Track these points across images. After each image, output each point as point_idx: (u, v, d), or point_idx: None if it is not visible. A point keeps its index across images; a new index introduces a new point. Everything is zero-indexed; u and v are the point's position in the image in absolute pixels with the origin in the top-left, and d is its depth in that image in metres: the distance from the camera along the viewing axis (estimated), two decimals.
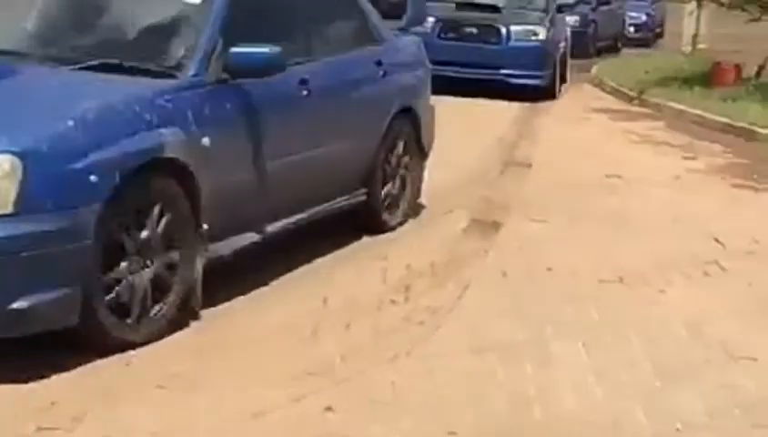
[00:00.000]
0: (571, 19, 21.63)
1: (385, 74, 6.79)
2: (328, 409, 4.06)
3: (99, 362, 4.42)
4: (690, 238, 7.10)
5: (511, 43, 14.54)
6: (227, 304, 5.26)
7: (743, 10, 15.70)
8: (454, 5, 15.18)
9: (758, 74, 15.20)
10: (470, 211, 7.49)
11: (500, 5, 15.12)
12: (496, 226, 7.15)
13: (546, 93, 14.48)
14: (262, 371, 4.44)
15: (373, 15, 7.08)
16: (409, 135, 7.07)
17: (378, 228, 6.73)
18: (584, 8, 22.41)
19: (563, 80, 16.05)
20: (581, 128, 12.35)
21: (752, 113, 12.46)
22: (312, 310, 5.25)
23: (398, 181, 6.96)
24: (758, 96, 13.64)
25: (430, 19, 13.72)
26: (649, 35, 25.84)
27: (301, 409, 4.10)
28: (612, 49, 22.85)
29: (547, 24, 14.92)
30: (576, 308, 5.51)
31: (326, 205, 6.18)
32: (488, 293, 5.71)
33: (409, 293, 5.61)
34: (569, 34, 17.54)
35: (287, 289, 5.58)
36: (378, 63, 6.77)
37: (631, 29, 25.42)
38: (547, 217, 7.45)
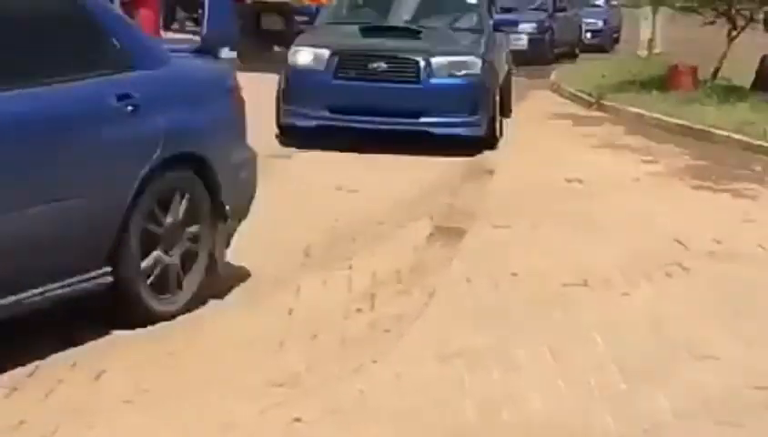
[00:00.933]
0: (528, 26, 21.77)
1: (136, 110, 4.98)
2: (297, 420, 4.05)
3: (67, 378, 4.37)
4: (651, 239, 7.16)
5: (433, 80, 10.39)
6: (192, 315, 5.23)
7: (698, 14, 15.87)
8: (357, 29, 11.27)
9: (714, 76, 15.36)
10: (434, 218, 7.51)
11: (420, 27, 11.22)
12: (459, 232, 7.17)
13: (483, 143, 10.60)
14: (229, 384, 4.42)
15: (126, 29, 5.33)
16: (197, 193, 5.30)
17: (140, 319, 5.02)
18: (541, 15, 22.54)
19: (505, 114, 12.22)
20: (541, 134, 12.41)
21: (709, 115, 12.59)
22: (277, 321, 5.24)
23: (176, 255, 5.20)
24: (714, 98, 13.79)
25: (323, 52, 10.49)
26: (606, 41, 25.99)
27: (269, 420, 4.08)
28: (570, 55, 22.99)
29: (482, 49, 10.93)
30: (541, 312, 5.54)
31: (27, 294, 4.50)
32: (453, 300, 5.72)
33: (375, 301, 5.61)
34: (523, 43, 17.17)
35: (251, 300, 5.56)
36: (124, 96, 4.96)
37: (589, 35, 25.55)
38: (510, 222, 7.48)
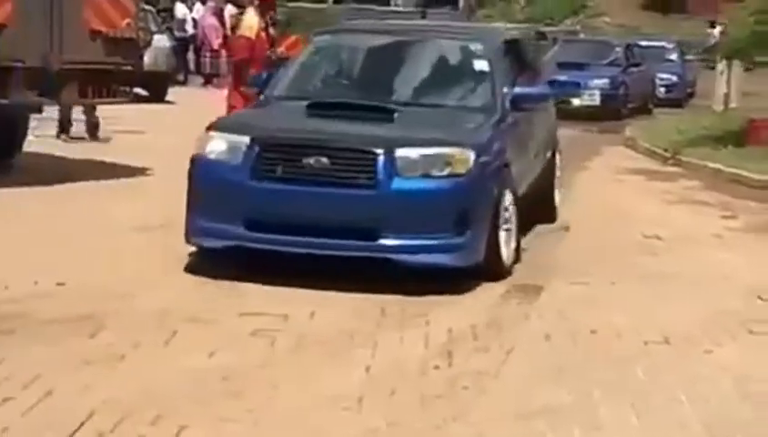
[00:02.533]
0: (601, 82, 21.75)
1: None
2: None
3: (149, 433, 4.41)
4: (733, 296, 7.05)
5: (398, 183, 6.95)
6: (268, 374, 5.25)
7: None
8: (303, 106, 7.78)
9: None
10: (510, 275, 7.46)
11: (402, 105, 7.77)
12: (537, 289, 7.11)
13: (472, 273, 7.13)
14: None
15: None
16: None
17: None
18: (614, 70, 22.52)
19: (545, 219, 9.23)
20: (617, 189, 12.33)
21: None
22: (356, 378, 5.23)
23: None
24: None
25: (241, 140, 7.15)
26: (680, 96, 25.84)
27: None
28: (643, 110, 22.89)
29: (480, 138, 7.48)
30: (622, 370, 5.46)
31: None
32: (532, 357, 5.67)
33: (453, 357, 5.58)
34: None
35: (330, 354, 5.56)
36: None
37: (663, 90, 25.42)
38: (587, 279, 7.41)
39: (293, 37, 17.28)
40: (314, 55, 8.77)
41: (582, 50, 23.83)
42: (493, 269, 7.23)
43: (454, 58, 8.43)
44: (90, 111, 13.51)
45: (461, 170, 7.05)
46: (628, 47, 23.99)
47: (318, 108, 7.74)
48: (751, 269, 7.94)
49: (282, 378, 5.19)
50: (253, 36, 11.96)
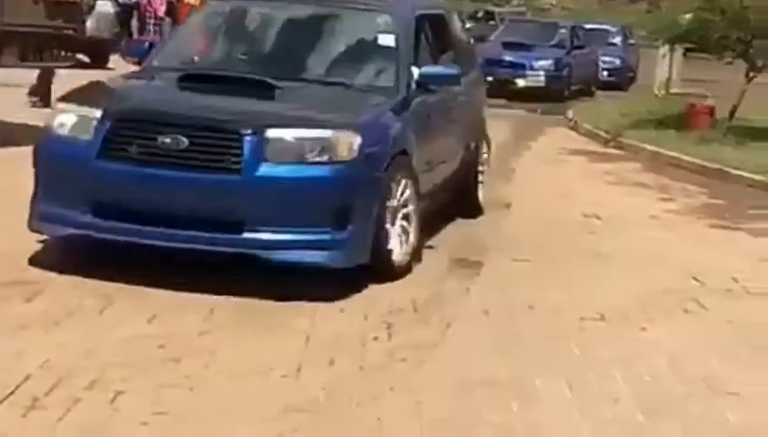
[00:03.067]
0: (546, 63, 21.89)
1: None
2: None
3: (85, 397, 4.38)
4: (669, 276, 7.16)
5: (266, 169, 6.04)
6: (208, 339, 5.24)
7: (717, 54, 15.91)
8: (175, 78, 6.99)
9: (731, 116, 15.39)
10: (451, 250, 7.51)
11: (291, 80, 6.93)
12: (477, 264, 7.17)
13: (356, 274, 6.29)
14: (246, 408, 4.42)
15: None
16: None
17: None
18: (559, 52, 22.65)
19: (469, 212, 8.61)
20: (559, 170, 12.44)
21: (726, 155, 12.61)
22: (295, 347, 5.24)
23: None
24: (731, 138, 13.82)
25: (92, 114, 6.23)
26: (622, 79, 26.08)
27: None
28: (586, 93, 23.08)
29: (368, 118, 6.65)
30: (558, 345, 5.53)
31: None
32: (471, 331, 5.72)
33: (392, 330, 5.61)
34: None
35: (268, 325, 5.56)
36: None
37: (605, 73, 25.65)
38: (528, 255, 7.48)
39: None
40: (202, 22, 8.05)
41: (528, 31, 23.94)
42: (382, 271, 6.36)
43: (358, 31, 7.51)
44: (44, 76, 13.32)
45: (344, 157, 6.11)
46: (573, 30, 24.15)
47: (191, 81, 6.88)
48: (686, 250, 8.07)
49: (220, 345, 5.18)
50: (198, 3, 11.87)
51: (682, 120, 15.25)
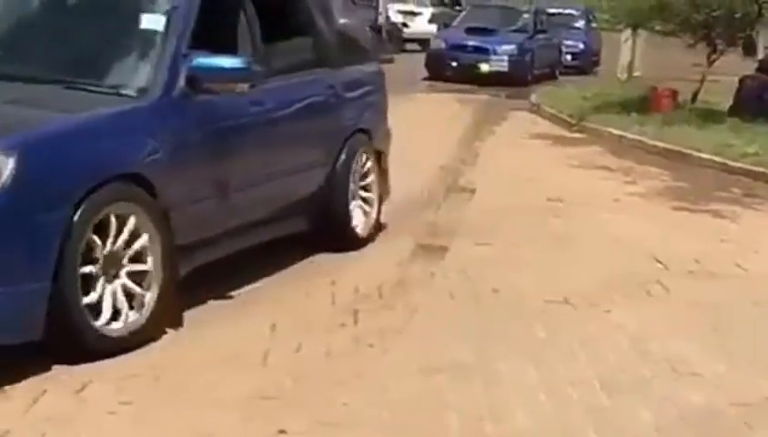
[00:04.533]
0: (509, 47, 21.95)
1: None
2: (282, 431, 4.07)
3: (51, 388, 4.37)
4: (632, 259, 7.22)
5: None
6: (173, 330, 5.23)
7: (678, 37, 16.03)
8: None
9: (693, 99, 15.51)
10: (416, 236, 7.54)
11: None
12: (442, 250, 7.20)
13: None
14: (213, 396, 4.42)
15: None
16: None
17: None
18: (522, 36, 22.72)
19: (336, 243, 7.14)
20: (522, 154, 12.49)
21: (688, 137, 12.71)
22: (261, 334, 5.24)
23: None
24: (694, 120, 13.93)
25: None
26: (586, 63, 26.18)
27: (253, 431, 4.10)
28: (550, 77, 23.17)
29: (76, 137, 4.91)
30: (523, 328, 5.57)
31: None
32: (436, 315, 5.75)
33: (358, 316, 5.63)
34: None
35: (233, 312, 5.57)
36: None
37: (569, 57, 25.74)
38: (492, 240, 7.52)
39: None
40: None
41: (491, 16, 23.97)
42: (81, 347, 4.67)
43: (121, 9, 5.87)
44: None
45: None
46: (536, 14, 24.23)
47: None
48: (649, 233, 8.14)
49: (186, 333, 5.18)
50: None
51: (644, 103, 15.34)
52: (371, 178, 7.35)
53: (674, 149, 12.31)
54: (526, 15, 23.95)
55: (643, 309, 6.12)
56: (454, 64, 21.78)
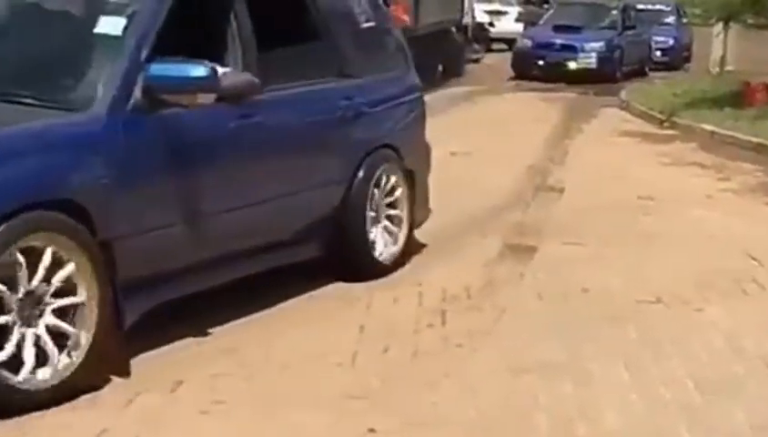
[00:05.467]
0: (597, 45, 21.72)
1: None
2: (371, 430, 4.08)
3: (144, 389, 4.45)
4: (726, 256, 7.08)
5: None
6: (265, 329, 5.29)
7: None
8: None
9: None
10: (504, 236, 7.50)
11: None
12: (531, 250, 7.15)
13: None
14: (303, 396, 4.46)
15: None
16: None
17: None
18: (610, 33, 22.47)
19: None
20: (612, 151, 12.35)
21: None
22: (349, 336, 5.27)
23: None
24: None
25: None
26: (676, 59, 25.76)
27: (343, 431, 4.12)
28: (639, 73, 22.88)
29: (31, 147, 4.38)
30: (614, 328, 5.50)
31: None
32: (525, 316, 5.71)
33: (446, 317, 5.62)
34: None
35: (323, 317, 5.60)
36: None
37: (658, 53, 25.37)
38: (581, 239, 7.44)
39: None
40: None
41: (579, 13, 23.74)
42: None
43: (74, 12, 5.30)
44: None
45: None
46: (624, 10, 23.93)
47: None
48: (743, 230, 7.98)
49: (275, 336, 5.23)
50: None
51: (737, 98, 15.05)
52: (399, 200, 6.50)
53: None
54: (614, 12, 23.66)
55: (738, 306, 6.00)
56: (541, 62, 21.63)
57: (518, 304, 5.90)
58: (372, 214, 6.28)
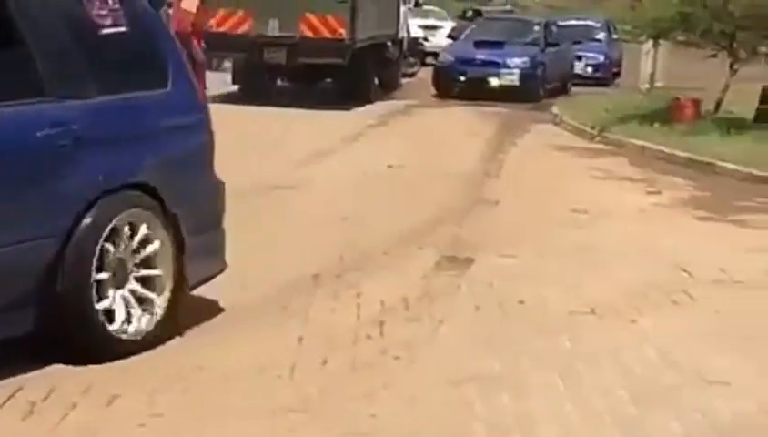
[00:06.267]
0: (520, 61, 20.72)
1: None
2: None
3: (81, 402, 4.40)
4: (658, 269, 7.20)
5: None
6: (202, 341, 5.26)
7: (699, 47, 15.98)
8: None
9: (716, 109, 15.45)
10: (441, 248, 7.55)
11: None
12: (467, 261, 7.20)
13: None
14: (242, 408, 4.44)
15: None
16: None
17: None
18: (533, 50, 21.50)
19: None
20: (545, 165, 12.47)
21: (712, 147, 12.67)
22: (288, 347, 5.26)
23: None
24: (717, 130, 13.88)
25: None
26: (607, 75, 26.07)
27: None
28: (561, 91, 22.02)
29: None
30: (549, 339, 5.56)
31: None
32: (462, 327, 5.75)
33: (384, 328, 5.64)
34: None
35: (260, 325, 5.59)
36: None
37: (589, 69, 25.58)
38: (516, 251, 7.51)
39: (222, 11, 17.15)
40: None
41: (501, 28, 23.05)
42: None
43: None
44: None
45: None
46: (546, 26, 23.25)
47: None
48: (674, 243, 8.11)
49: (214, 346, 5.20)
50: (193, 10, 12.10)
51: (667, 114, 15.30)
52: (157, 256, 5.16)
53: (698, 159, 12.26)
54: (536, 28, 22.53)
55: (669, 318, 6.10)
56: (462, 78, 20.44)
57: (455, 315, 5.94)
58: (104, 276, 4.89)
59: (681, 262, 7.33)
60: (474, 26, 23.86)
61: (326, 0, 16.91)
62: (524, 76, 20.58)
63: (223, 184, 5.68)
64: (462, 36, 23.34)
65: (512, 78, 20.57)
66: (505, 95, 19.79)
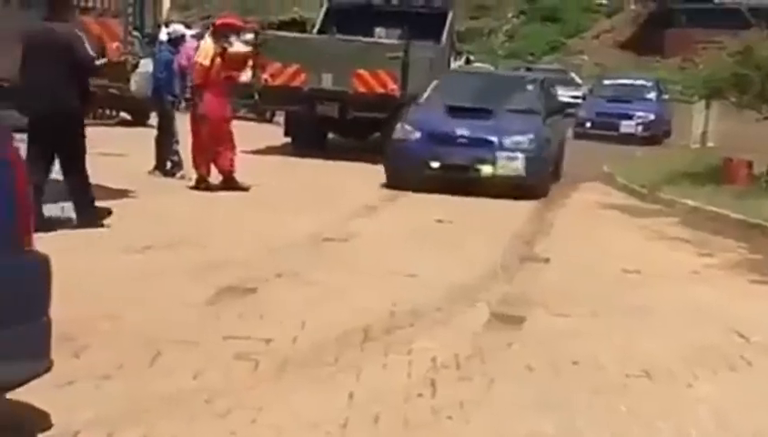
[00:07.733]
0: (523, 140, 13.95)
1: None
2: None
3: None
4: (712, 332, 7.10)
5: None
6: (253, 395, 5.25)
7: (753, 109, 15.89)
8: None
9: None
10: (491, 305, 7.51)
11: None
12: (519, 319, 7.15)
13: None
14: None
15: None
16: None
17: None
18: (535, 121, 14.57)
19: None
20: (596, 224, 12.41)
21: (764, 209, 12.53)
22: (339, 403, 5.24)
23: None
24: None
25: None
26: (657, 134, 26.05)
27: None
28: (554, 177, 15.54)
29: None
30: (604, 401, 5.49)
31: None
32: (515, 387, 5.70)
33: (436, 387, 5.60)
34: None
35: (313, 383, 5.57)
36: None
37: (640, 128, 25.65)
38: (568, 311, 7.45)
39: (277, 65, 17.33)
40: None
41: (482, 86, 16.13)
42: None
43: None
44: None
45: None
46: (542, 84, 16.54)
47: None
48: (728, 305, 8.01)
49: (266, 400, 5.19)
50: (207, 63, 12.41)
51: (719, 175, 15.20)
52: None
53: (750, 221, 12.13)
54: (530, 87, 16.16)
55: (726, 383, 6.01)
56: (435, 164, 13.85)
57: (507, 375, 5.88)
58: None
59: (735, 326, 7.23)
60: (438, 82, 16.05)
61: (378, 55, 17.04)
62: (531, 162, 13.89)
63: (46, 262, 4.19)
64: (424, 96, 15.69)
65: (515, 167, 13.89)
66: (500, 189, 13.64)
